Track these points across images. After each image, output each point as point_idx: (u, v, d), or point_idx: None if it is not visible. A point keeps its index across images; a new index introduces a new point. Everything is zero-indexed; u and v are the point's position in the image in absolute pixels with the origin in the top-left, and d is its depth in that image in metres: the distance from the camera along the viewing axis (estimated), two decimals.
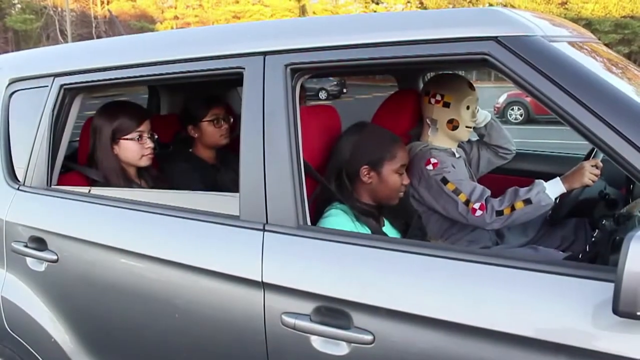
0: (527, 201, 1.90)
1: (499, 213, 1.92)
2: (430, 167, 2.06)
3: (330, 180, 1.72)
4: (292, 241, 1.35)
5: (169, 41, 1.69)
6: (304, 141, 1.43)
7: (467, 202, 1.96)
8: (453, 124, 2.15)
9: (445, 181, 2.02)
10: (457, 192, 2.01)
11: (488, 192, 1.98)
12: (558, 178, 1.95)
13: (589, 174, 1.92)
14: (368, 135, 1.74)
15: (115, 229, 1.63)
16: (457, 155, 2.21)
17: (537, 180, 1.95)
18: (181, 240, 1.50)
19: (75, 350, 1.74)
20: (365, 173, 1.71)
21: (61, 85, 1.78)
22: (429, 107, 2.19)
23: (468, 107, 2.15)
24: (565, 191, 1.93)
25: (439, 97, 2.15)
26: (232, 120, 2.35)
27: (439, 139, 2.20)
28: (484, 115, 2.32)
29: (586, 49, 1.39)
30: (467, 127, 2.17)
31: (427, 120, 2.21)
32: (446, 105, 2.14)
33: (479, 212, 1.93)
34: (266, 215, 1.38)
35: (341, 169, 1.71)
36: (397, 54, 1.28)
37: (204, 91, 2.45)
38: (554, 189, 1.93)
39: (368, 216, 1.70)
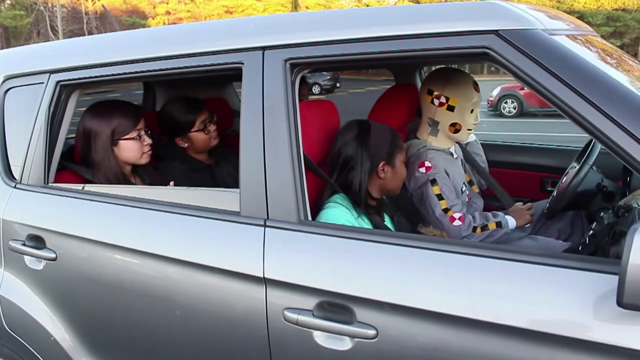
0: (499, 224, 2.02)
1: (474, 229, 2.00)
2: (422, 169, 2.05)
3: (334, 177, 1.73)
4: (293, 237, 1.34)
5: (167, 36, 1.68)
6: (303, 136, 1.43)
7: (446, 210, 1.98)
8: (455, 127, 2.09)
9: (434, 183, 2.01)
10: (439, 197, 2.01)
11: (471, 220, 2.03)
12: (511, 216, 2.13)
13: (527, 216, 2.15)
14: (377, 132, 1.74)
15: (114, 226, 1.62)
16: (454, 156, 2.18)
17: (497, 212, 2.10)
18: (182, 237, 1.49)
19: (74, 348, 1.74)
20: (382, 169, 1.74)
21: (57, 82, 1.76)
22: (431, 108, 2.10)
23: (472, 111, 2.09)
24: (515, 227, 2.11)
25: (443, 100, 2.06)
26: (215, 118, 2.30)
27: (438, 140, 2.15)
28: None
29: (585, 42, 1.39)
30: (468, 129, 2.11)
31: (428, 120, 2.13)
32: (450, 108, 2.06)
33: (457, 222, 1.97)
34: (267, 210, 1.38)
35: (355, 166, 1.71)
36: (397, 48, 1.27)
37: (198, 90, 2.42)
38: (510, 221, 2.10)
39: (373, 210, 1.71)
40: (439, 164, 2.06)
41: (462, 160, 2.28)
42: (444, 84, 2.06)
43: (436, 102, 2.07)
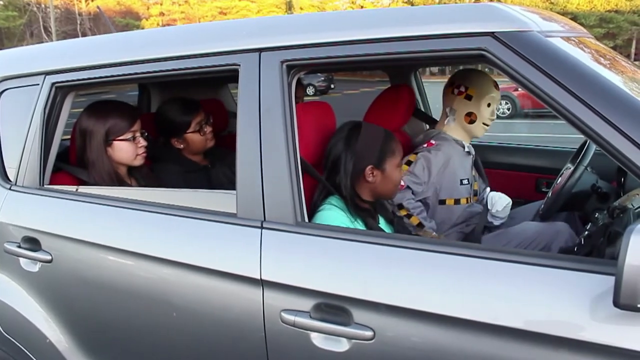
0: (420, 225, 2.11)
1: (400, 206, 2.12)
2: (425, 145, 2.21)
3: (327, 179, 1.72)
4: (290, 238, 1.34)
5: (163, 38, 1.67)
6: (299, 138, 1.43)
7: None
8: (471, 118, 2.22)
9: (415, 153, 2.19)
10: (408, 162, 2.18)
11: (410, 195, 2.15)
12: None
13: None
14: (367, 135, 1.72)
15: (110, 228, 1.61)
16: (466, 149, 2.24)
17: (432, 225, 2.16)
18: (178, 239, 1.49)
19: (70, 350, 1.73)
20: (370, 173, 1.71)
21: (52, 84, 1.76)
22: (450, 97, 2.26)
23: (489, 105, 2.22)
24: None
25: (462, 89, 2.22)
26: (211, 120, 2.30)
27: (453, 130, 2.27)
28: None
29: (580, 44, 1.39)
30: (484, 123, 2.24)
31: (447, 109, 2.28)
32: (468, 97, 2.21)
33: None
34: (264, 212, 1.38)
35: (340, 168, 1.70)
36: (394, 50, 1.28)
37: (193, 91, 2.41)
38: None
39: (366, 213, 1.70)
40: (442, 146, 2.19)
41: (473, 162, 2.31)
42: (466, 76, 2.25)
43: (456, 91, 2.24)
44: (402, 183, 2.11)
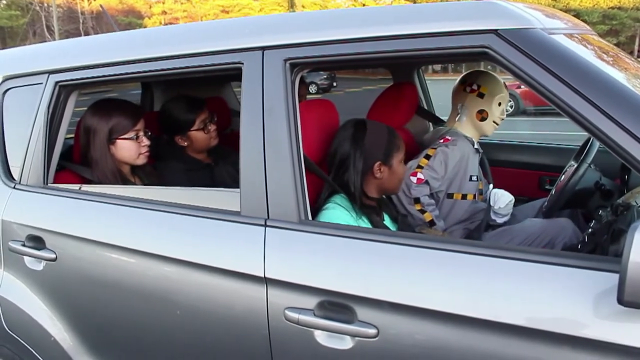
0: (432, 222, 2.15)
1: (417, 200, 2.14)
2: (441, 140, 2.23)
3: (331, 177, 1.72)
4: (294, 236, 1.34)
5: (166, 37, 1.67)
6: (302, 136, 1.43)
7: (419, 167, 2.17)
8: (482, 115, 2.27)
9: (434, 148, 2.20)
10: (427, 156, 2.19)
11: (428, 191, 2.17)
12: None
13: None
14: (373, 132, 1.73)
15: (114, 226, 1.62)
16: (475, 146, 2.26)
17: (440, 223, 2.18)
18: (182, 237, 1.49)
19: (74, 348, 1.74)
20: (378, 169, 1.72)
21: (56, 82, 1.76)
22: (462, 95, 2.30)
23: (500, 104, 2.27)
24: None
25: (475, 87, 2.27)
26: (216, 118, 2.30)
27: (464, 127, 2.30)
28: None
29: (583, 41, 1.39)
30: (494, 122, 2.29)
31: (458, 106, 2.32)
32: (480, 95, 2.26)
33: (413, 179, 2.15)
34: (267, 210, 1.38)
35: (349, 166, 1.70)
36: (397, 47, 1.28)
37: (196, 89, 2.41)
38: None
39: (371, 210, 1.71)
40: (457, 141, 2.21)
41: (479, 161, 2.33)
42: (478, 75, 2.30)
43: (468, 89, 2.29)
44: (422, 177, 2.15)
